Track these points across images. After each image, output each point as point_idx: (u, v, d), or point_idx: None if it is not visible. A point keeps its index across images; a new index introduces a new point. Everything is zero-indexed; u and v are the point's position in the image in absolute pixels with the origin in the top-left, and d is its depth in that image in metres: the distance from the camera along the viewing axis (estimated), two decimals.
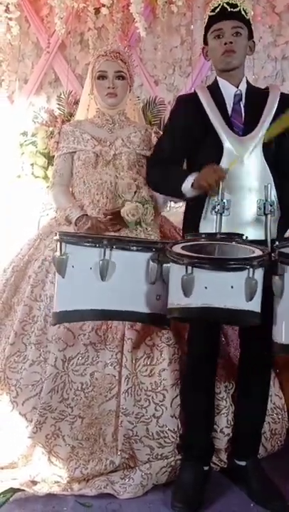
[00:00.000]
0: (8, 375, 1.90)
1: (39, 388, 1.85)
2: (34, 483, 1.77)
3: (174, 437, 1.84)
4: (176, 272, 1.40)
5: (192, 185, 1.75)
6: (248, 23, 1.84)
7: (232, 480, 1.85)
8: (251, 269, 1.34)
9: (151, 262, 1.48)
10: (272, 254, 1.44)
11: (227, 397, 1.93)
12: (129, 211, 1.95)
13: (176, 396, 1.87)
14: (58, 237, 1.53)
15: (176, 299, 1.40)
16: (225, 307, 1.35)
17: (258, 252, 1.42)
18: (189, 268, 1.35)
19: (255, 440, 1.89)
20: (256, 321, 1.42)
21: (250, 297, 1.35)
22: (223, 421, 1.91)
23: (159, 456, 1.82)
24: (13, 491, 1.73)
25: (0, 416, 1.86)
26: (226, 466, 1.90)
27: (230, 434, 1.91)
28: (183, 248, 1.45)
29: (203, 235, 1.62)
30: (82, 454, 1.82)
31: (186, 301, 1.37)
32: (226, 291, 1.35)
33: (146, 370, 1.88)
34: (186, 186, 1.77)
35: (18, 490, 1.73)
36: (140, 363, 1.88)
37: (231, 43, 1.78)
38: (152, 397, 1.85)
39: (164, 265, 1.49)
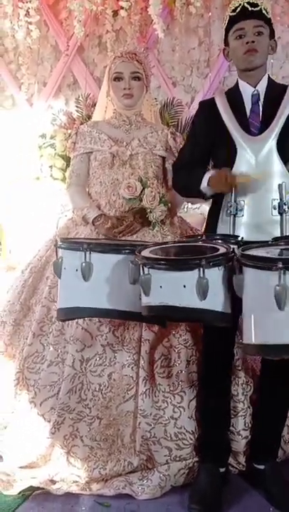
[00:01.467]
0: (26, 376, 1.92)
1: (57, 389, 1.87)
2: (53, 482, 1.78)
3: (192, 439, 1.83)
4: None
5: (208, 184, 1.77)
6: (269, 22, 1.82)
7: (250, 483, 1.83)
8: (201, 269, 1.36)
9: (130, 264, 1.54)
10: (235, 255, 1.44)
11: (244, 399, 1.91)
12: (158, 217, 2.00)
13: (194, 398, 1.86)
14: (55, 242, 1.68)
15: (142, 297, 1.47)
16: (180, 305, 1.39)
17: (220, 251, 1.44)
18: (145, 268, 1.42)
19: (274, 443, 1.87)
20: (221, 320, 1.44)
21: (203, 296, 1.37)
22: (241, 423, 1.89)
23: (178, 458, 1.81)
24: (32, 489, 1.74)
25: (18, 416, 1.88)
26: (244, 469, 1.89)
27: (248, 437, 1.89)
28: (152, 251, 1.52)
29: (200, 237, 1.69)
30: (101, 454, 1.82)
31: (147, 299, 1.44)
32: (179, 290, 1.39)
33: (164, 371, 1.87)
34: (204, 185, 1.79)
35: (38, 488, 1.74)
36: (158, 365, 1.88)
37: (253, 42, 1.76)
38: (170, 399, 1.85)
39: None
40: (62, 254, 1.63)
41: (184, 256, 1.56)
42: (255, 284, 1.36)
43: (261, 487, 1.79)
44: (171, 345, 1.91)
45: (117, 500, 1.71)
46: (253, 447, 1.88)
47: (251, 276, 1.37)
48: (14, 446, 1.84)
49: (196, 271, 1.37)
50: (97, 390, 1.86)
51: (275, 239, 1.63)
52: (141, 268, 1.44)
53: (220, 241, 1.62)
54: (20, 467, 1.81)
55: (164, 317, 1.64)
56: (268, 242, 1.60)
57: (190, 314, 1.43)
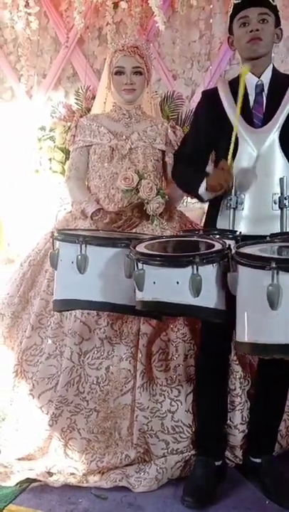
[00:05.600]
0: (24, 368, 1.92)
1: (55, 381, 1.88)
2: (50, 474, 1.79)
3: (189, 432, 1.84)
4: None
5: (206, 189, 1.75)
6: (274, 10, 1.78)
7: (247, 477, 1.84)
8: (195, 266, 1.35)
9: (126, 258, 1.53)
10: (229, 252, 1.43)
11: (242, 394, 1.92)
12: (155, 209, 1.98)
13: (191, 391, 1.87)
14: (51, 234, 1.67)
15: (136, 292, 1.47)
16: (173, 302, 1.39)
17: (215, 248, 1.44)
18: (139, 264, 1.42)
19: (271, 437, 1.88)
20: (214, 316, 1.44)
21: (196, 293, 1.36)
22: (238, 417, 1.90)
23: (174, 451, 1.82)
24: (29, 481, 1.75)
25: (17, 408, 1.89)
26: (241, 462, 1.90)
27: (246, 431, 1.90)
28: (147, 246, 1.51)
29: (197, 232, 1.69)
30: (98, 447, 1.83)
31: (140, 294, 1.44)
32: (172, 286, 1.38)
33: (162, 365, 1.88)
34: (202, 190, 1.78)
35: (35, 480, 1.75)
36: (155, 358, 1.88)
37: (257, 30, 1.73)
38: (167, 392, 1.86)
39: None
40: (58, 246, 1.63)
41: (178, 252, 1.56)
42: (249, 282, 1.35)
43: (257, 480, 1.80)
44: (169, 339, 1.92)
45: (114, 493, 1.72)
46: (250, 441, 1.89)
47: (245, 275, 1.36)
48: (12, 438, 1.85)
49: (190, 268, 1.36)
50: (94, 382, 1.86)
51: (273, 235, 1.62)
52: (135, 263, 1.43)
53: (217, 236, 1.60)
54: (18, 459, 1.82)
55: (158, 312, 1.64)
56: (265, 238, 1.58)
57: (183, 311, 1.44)
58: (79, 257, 1.55)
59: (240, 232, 1.64)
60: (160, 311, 1.60)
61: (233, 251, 1.42)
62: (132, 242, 1.55)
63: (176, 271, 1.39)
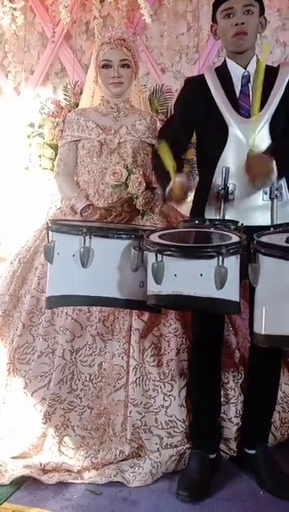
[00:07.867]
0: (17, 367, 1.92)
1: (48, 379, 1.87)
2: (45, 471, 1.78)
3: (182, 427, 1.85)
4: (149, 260, 1.41)
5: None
6: None
7: (241, 468, 1.85)
8: (220, 257, 1.32)
9: (132, 250, 1.48)
10: (251, 243, 1.41)
11: (236, 387, 1.93)
12: (145, 204, 1.97)
13: (184, 386, 1.87)
14: (46, 225, 1.57)
15: (151, 286, 1.40)
16: (195, 295, 1.34)
17: (234, 239, 1.40)
18: (159, 256, 1.35)
19: (264, 429, 1.89)
20: (234, 309, 1.42)
21: (220, 285, 1.32)
22: (232, 410, 1.91)
23: (169, 446, 1.83)
24: (24, 479, 1.75)
25: (10, 407, 1.88)
26: (235, 454, 1.91)
27: (240, 423, 1.91)
28: (161, 236, 1.44)
29: (196, 221, 1.61)
30: (92, 443, 1.84)
31: (158, 288, 1.37)
32: (195, 278, 1.33)
33: (154, 360, 1.88)
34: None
35: (29, 478, 1.75)
36: (148, 354, 1.89)
37: (243, 23, 1.71)
38: (160, 387, 1.86)
39: (145, 252, 1.48)
40: (55, 238, 1.52)
41: (199, 243, 1.49)
42: (272, 273, 1.33)
43: (252, 472, 1.81)
44: (162, 334, 1.92)
45: (108, 488, 1.72)
46: (244, 433, 1.89)
47: (268, 266, 1.34)
48: (5, 437, 1.85)
49: (215, 259, 1.32)
50: (87, 379, 1.86)
51: (287, 224, 1.60)
52: (154, 255, 1.36)
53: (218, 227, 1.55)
54: (12, 457, 1.81)
55: (174, 307, 1.58)
56: (281, 226, 1.57)
57: (204, 304, 1.36)
58: (82, 249, 1.46)
59: (242, 224, 1.59)
60: (178, 306, 1.52)
61: (255, 242, 1.39)
62: (138, 233, 1.48)
63: (200, 262, 1.34)
